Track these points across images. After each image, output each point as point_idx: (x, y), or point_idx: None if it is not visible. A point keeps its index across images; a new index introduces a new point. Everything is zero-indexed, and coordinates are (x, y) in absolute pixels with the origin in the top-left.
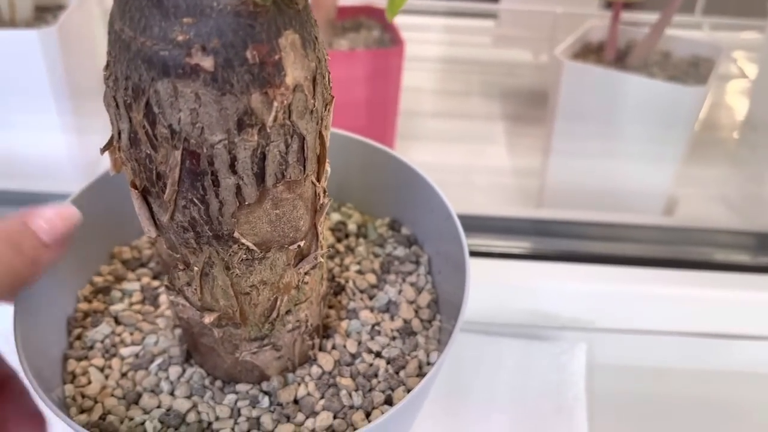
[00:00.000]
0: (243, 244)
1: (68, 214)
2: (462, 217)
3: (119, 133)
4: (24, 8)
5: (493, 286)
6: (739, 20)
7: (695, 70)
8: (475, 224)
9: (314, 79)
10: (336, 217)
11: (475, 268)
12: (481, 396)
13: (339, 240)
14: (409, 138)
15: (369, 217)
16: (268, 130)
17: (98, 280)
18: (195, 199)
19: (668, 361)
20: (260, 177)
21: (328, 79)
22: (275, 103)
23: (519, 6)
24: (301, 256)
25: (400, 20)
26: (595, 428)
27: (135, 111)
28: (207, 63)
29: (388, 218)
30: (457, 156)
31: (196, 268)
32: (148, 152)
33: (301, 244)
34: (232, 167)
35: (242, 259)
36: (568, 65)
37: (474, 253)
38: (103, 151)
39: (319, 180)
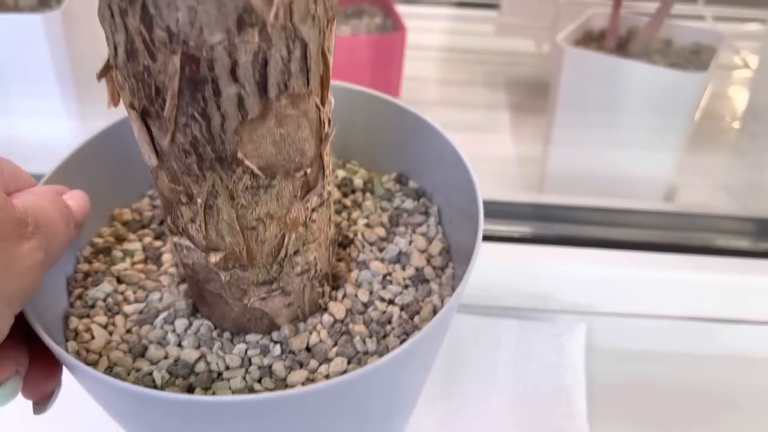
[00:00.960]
0: (247, 167)
1: (84, 199)
2: None
3: (115, 48)
4: None
5: (494, 269)
6: (740, 10)
7: (696, 57)
8: None
9: None
10: (341, 173)
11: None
12: (480, 377)
13: (345, 195)
14: None
15: (375, 173)
16: (269, 31)
17: (98, 241)
18: (196, 114)
19: (667, 345)
20: (263, 87)
21: None
22: (275, 1)
23: None
24: (307, 188)
25: (402, 9)
26: (593, 411)
27: (131, 16)
28: None
29: (394, 173)
30: (460, 145)
31: (199, 200)
32: (146, 63)
33: (307, 171)
34: (233, 73)
35: (247, 187)
36: (570, 52)
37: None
38: (99, 76)
39: (323, 103)
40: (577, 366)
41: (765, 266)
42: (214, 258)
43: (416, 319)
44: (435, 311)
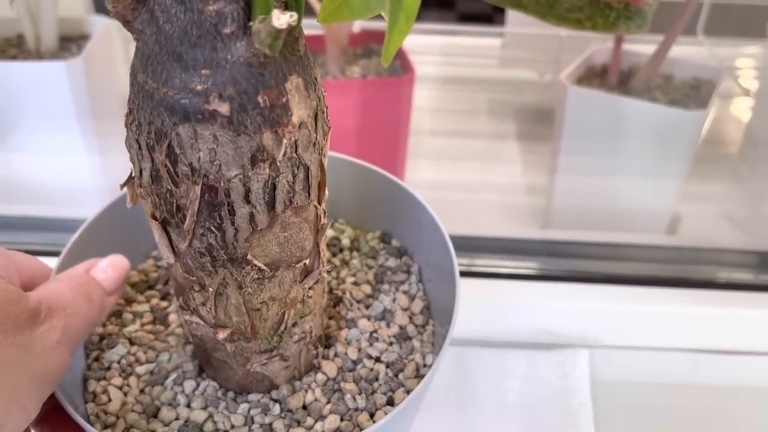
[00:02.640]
0: (255, 265)
1: (121, 263)
2: (467, 238)
3: (141, 171)
4: (49, 39)
5: (501, 306)
6: (739, 40)
7: (696, 92)
8: (481, 245)
9: (316, 116)
10: (330, 232)
11: (483, 288)
12: (491, 405)
13: (334, 255)
14: (419, 157)
15: (361, 231)
16: (278, 164)
17: None
18: (212, 228)
19: (673, 377)
20: (271, 205)
21: (326, 113)
22: (284, 140)
23: (524, 29)
24: (305, 273)
25: (409, 40)
26: None
27: (158, 152)
28: (224, 108)
29: (379, 231)
30: (466, 174)
31: (211, 289)
32: (169, 188)
33: (306, 262)
34: (247, 198)
35: (254, 279)
36: (572, 90)
37: (481, 274)
38: (122, 186)
39: (320, 203)
40: (582, 391)
41: (766, 299)
42: (222, 334)
43: (401, 376)
44: (417, 368)
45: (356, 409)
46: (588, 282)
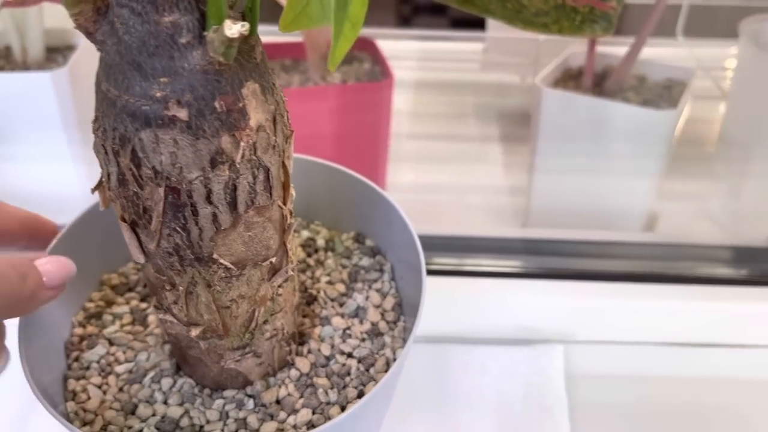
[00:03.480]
0: (221, 263)
1: (64, 262)
2: (447, 238)
3: (108, 175)
4: (35, 51)
5: (479, 304)
6: (718, 41)
7: (669, 93)
8: (461, 244)
9: (274, 119)
10: (306, 233)
11: (463, 286)
12: (468, 401)
13: (309, 255)
14: (403, 160)
15: (336, 232)
16: (237, 166)
17: (90, 306)
18: (177, 228)
19: (648, 371)
20: (233, 205)
21: (287, 117)
22: (242, 143)
23: (505, 34)
24: (273, 271)
25: (393, 46)
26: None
27: (122, 156)
28: (182, 114)
29: (353, 232)
30: (450, 176)
31: (181, 288)
32: (135, 190)
33: (273, 260)
34: (209, 198)
35: (221, 277)
36: (547, 92)
37: (460, 273)
38: (93, 190)
39: (285, 203)
40: (557, 386)
41: (741, 293)
42: (194, 332)
43: (371, 370)
44: (387, 363)
45: (328, 403)
46: (566, 279)
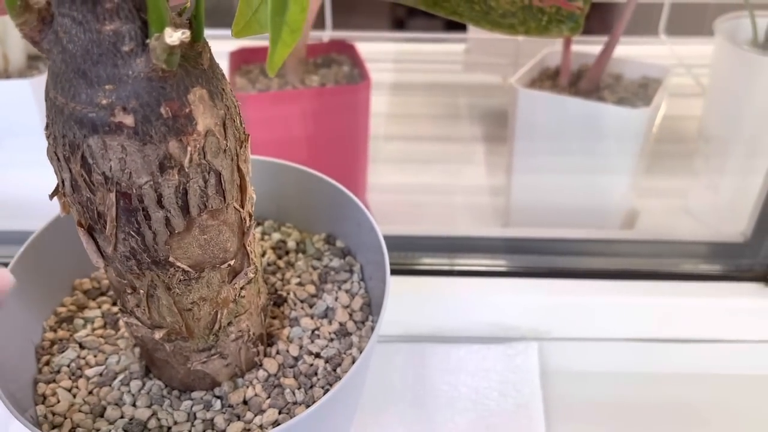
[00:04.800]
0: (178, 267)
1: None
2: (425, 238)
3: (63, 181)
4: (16, 59)
5: (456, 302)
6: (700, 38)
7: (644, 91)
8: (441, 244)
9: (224, 124)
10: (276, 236)
11: (439, 285)
12: (445, 399)
13: (280, 257)
14: (386, 161)
15: (307, 233)
16: (186, 170)
17: (62, 310)
18: (132, 232)
19: (623, 367)
20: (185, 209)
21: (240, 121)
22: (189, 148)
23: (485, 35)
24: (234, 273)
25: (376, 48)
26: (552, 429)
27: (73, 163)
28: (128, 120)
29: (324, 233)
30: (432, 176)
31: (141, 291)
32: (88, 196)
33: (232, 263)
34: (160, 203)
35: (180, 280)
36: (522, 92)
37: (438, 272)
38: (51, 197)
39: (243, 206)
40: (533, 383)
41: (718, 288)
42: (158, 334)
43: (338, 370)
44: (354, 362)
45: (294, 403)
46: (543, 277)
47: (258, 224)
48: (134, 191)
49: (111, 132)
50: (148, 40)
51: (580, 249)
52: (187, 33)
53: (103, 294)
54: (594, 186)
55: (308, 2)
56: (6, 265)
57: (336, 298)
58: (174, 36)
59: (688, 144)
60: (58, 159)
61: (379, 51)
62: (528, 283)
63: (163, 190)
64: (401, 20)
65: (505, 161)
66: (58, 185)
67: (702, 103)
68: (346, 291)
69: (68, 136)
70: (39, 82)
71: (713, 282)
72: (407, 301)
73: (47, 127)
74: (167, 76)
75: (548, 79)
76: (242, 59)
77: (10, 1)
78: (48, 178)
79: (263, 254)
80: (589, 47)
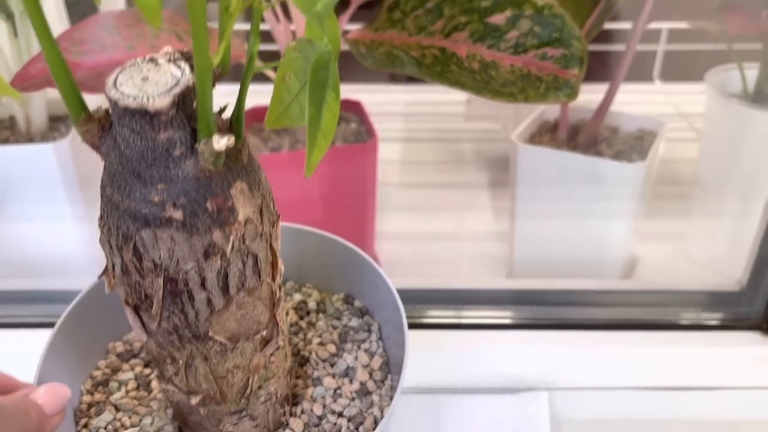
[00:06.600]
0: (216, 340)
1: (59, 389)
2: (435, 291)
3: (113, 266)
4: (39, 120)
5: (468, 355)
6: (692, 84)
7: (640, 144)
8: (450, 297)
9: (261, 211)
10: (298, 297)
11: (452, 339)
12: None
13: (301, 318)
14: (393, 208)
15: (326, 294)
16: (228, 256)
17: (97, 374)
18: (176, 311)
19: (631, 415)
20: (225, 289)
21: (273, 204)
22: (231, 237)
23: None
24: (265, 342)
25: (377, 100)
26: None
27: (125, 251)
28: (178, 215)
29: (343, 293)
30: (438, 223)
31: (181, 361)
32: (137, 279)
33: (264, 333)
34: (203, 285)
35: (217, 351)
36: (522, 148)
37: (449, 326)
38: (100, 276)
39: (274, 280)
40: (544, 431)
41: (718, 338)
42: (194, 400)
43: (361, 429)
44: (375, 420)
45: None
46: (549, 329)
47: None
48: (180, 276)
49: (162, 225)
50: (197, 145)
51: (582, 300)
52: (233, 139)
53: (135, 356)
54: (594, 234)
55: (338, 109)
56: (51, 325)
57: (356, 358)
58: (221, 142)
59: (686, 187)
60: (111, 247)
61: (384, 101)
62: (533, 335)
63: (206, 274)
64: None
65: (508, 209)
66: (107, 267)
67: (697, 149)
68: (365, 350)
69: (122, 228)
70: (61, 146)
71: (712, 331)
72: (419, 354)
73: (101, 218)
74: (213, 175)
75: (548, 132)
76: (254, 117)
77: (74, 113)
78: (69, 235)
79: (286, 314)
80: (586, 96)
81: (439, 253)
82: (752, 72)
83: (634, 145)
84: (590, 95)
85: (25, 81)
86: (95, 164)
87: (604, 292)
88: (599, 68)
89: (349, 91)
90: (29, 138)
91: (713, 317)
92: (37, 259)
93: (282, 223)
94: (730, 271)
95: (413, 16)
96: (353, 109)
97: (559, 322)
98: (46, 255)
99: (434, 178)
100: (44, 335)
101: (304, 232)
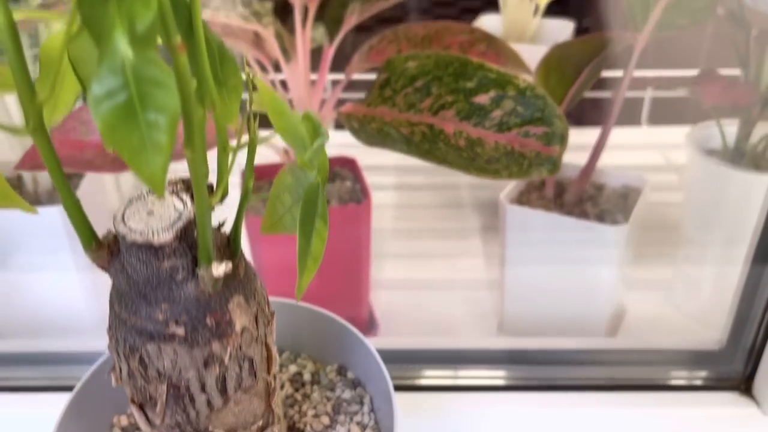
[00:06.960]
0: None
1: None
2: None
3: (120, 370)
4: (46, 180)
5: (457, 416)
6: (680, 127)
7: (624, 201)
8: (442, 356)
9: (256, 318)
10: (293, 368)
11: (444, 402)
12: None
13: (297, 390)
14: (387, 256)
15: (321, 364)
16: (226, 363)
17: None
18: (178, 411)
19: None
20: (223, 391)
21: (267, 306)
22: (229, 347)
23: None
24: (261, 430)
25: (367, 153)
26: None
27: (132, 360)
28: (180, 331)
29: (336, 364)
30: (432, 271)
31: None
32: (143, 384)
33: (260, 423)
34: (203, 389)
35: None
36: (509, 208)
37: (437, 387)
38: (108, 374)
39: (269, 372)
40: None
41: (697, 398)
42: None
43: None
44: None
45: None
46: (536, 390)
47: None
48: (183, 383)
49: (165, 340)
50: (197, 270)
51: (570, 359)
52: (230, 265)
53: (138, 429)
54: (581, 290)
55: (327, 233)
56: (56, 388)
57: (348, 430)
58: (219, 269)
59: (672, 232)
60: (119, 355)
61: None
62: (523, 396)
63: (206, 380)
64: None
65: (498, 260)
66: (115, 367)
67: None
68: (357, 423)
69: (129, 341)
70: None
71: (693, 392)
72: (412, 419)
73: (110, 328)
74: (212, 294)
75: (535, 190)
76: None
77: (85, 242)
78: (74, 291)
79: (282, 387)
80: (572, 154)
81: (433, 303)
82: (732, 129)
83: (618, 203)
84: (578, 138)
85: (34, 160)
86: (100, 226)
87: (589, 351)
88: (588, 111)
89: (343, 145)
90: (36, 198)
91: (696, 376)
92: (41, 318)
93: (276, 299)
94: (716, 321)
95: (403, 94)
96: (348, 165)
97: (551, 384)
98: (50, 312)
99: (427, 224)
100: (50, 399)
101: (297, 307)
